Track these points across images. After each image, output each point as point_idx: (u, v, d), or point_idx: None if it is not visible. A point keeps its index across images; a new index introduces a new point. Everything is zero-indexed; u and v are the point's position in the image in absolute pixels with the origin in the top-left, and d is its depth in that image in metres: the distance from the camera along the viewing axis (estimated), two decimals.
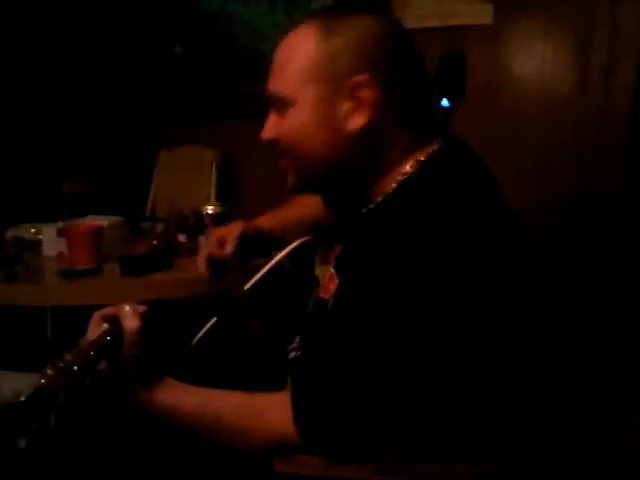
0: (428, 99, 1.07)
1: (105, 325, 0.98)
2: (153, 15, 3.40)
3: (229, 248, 1.42)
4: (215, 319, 1.26)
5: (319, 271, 1.23)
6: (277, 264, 1.29)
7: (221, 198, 2.06)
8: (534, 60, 2.65)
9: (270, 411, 0.97)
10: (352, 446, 0.94)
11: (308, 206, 1.54)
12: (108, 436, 1.22)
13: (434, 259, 0.90)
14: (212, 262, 1.43)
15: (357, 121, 0.99)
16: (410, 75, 1.03)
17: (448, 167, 1.02)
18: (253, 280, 1.28)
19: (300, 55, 1.01)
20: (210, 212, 1.96)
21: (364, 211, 1.07)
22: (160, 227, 2.18)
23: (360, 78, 0.98)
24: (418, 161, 1.02)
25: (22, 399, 0.82)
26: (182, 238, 2.06)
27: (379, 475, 0.93)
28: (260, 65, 3.19)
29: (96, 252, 1.82)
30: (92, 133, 3.46)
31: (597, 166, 2.52)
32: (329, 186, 1.12)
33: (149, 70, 3.44)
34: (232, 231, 1.45)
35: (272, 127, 1.07)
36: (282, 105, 1.03)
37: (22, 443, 0.82)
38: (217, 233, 1.49)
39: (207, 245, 1.49)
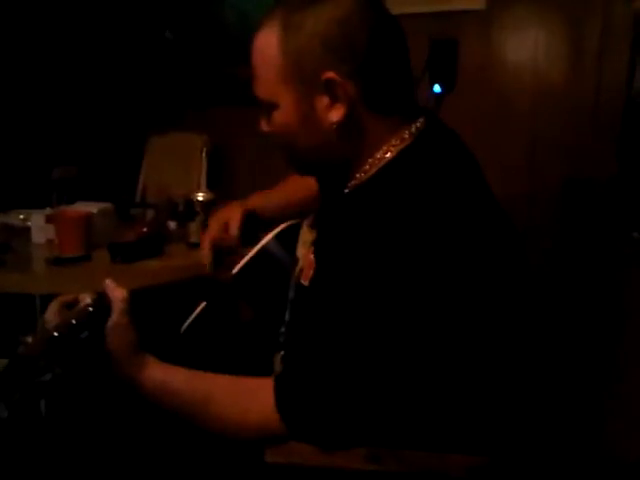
0: (405, 79, 1.05)
1: (88, 299, 0.98)
2: (143, 0, 3.37)
3: (234, 231, 1.42)
4: (204, 304, 1.25)
5: (300, 252, 1.23)
6: (264, 248, 1.28)
7: (211, 184, 2.05)
8: (527, 46, 2.64)
9: (258, 394, 0.97)
10: (334, 432, 0.93)
11: (298, 189, 1.53)
12: (99, 428, 1.21)
13: (410, 241, 0.90)
14: (214, 246, 1.43)
15: (335, 115, 1.00)
16: (382, 55, 1.01)
17: (425, 151, 1.02)
18: (240, 264, 1.27)
19: (267, 60, 1.02)
20: (200, 199, 1.95)
21: (341, 196, 1.08)
22: (150, 214, 2.17)
23: (330, 74, 0.97)
24: (395, 146, 1.02)
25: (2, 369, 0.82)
26: (172, 225, 2.05)
27: (369, 463, 0.93)
28: (250, 50, 3.17)
29: (85, 239, 1.81)
30: (81, 119, 3.43)
31: (589, 153, 2.52)
32: (319, 172, 1.19)
33: (139, 55, 3.41)
34: (234, 214, 1.45)
35: (264, 124, 1.10)
36: (268, 107, 1.05)
37: (3, 413, 0.82)
38: (219, 217, 1.48)
39: (209, 229, 1.47)
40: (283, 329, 1.16)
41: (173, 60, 3.37)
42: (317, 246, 1.09)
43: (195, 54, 3.33)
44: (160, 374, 1.01)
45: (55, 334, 0.88)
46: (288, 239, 1.29)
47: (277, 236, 1.31)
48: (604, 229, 2.42)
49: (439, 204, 0.93)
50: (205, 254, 1.43)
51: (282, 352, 1.12)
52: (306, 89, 1.00)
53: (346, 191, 1.07)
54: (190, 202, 1.98)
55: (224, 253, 1.43)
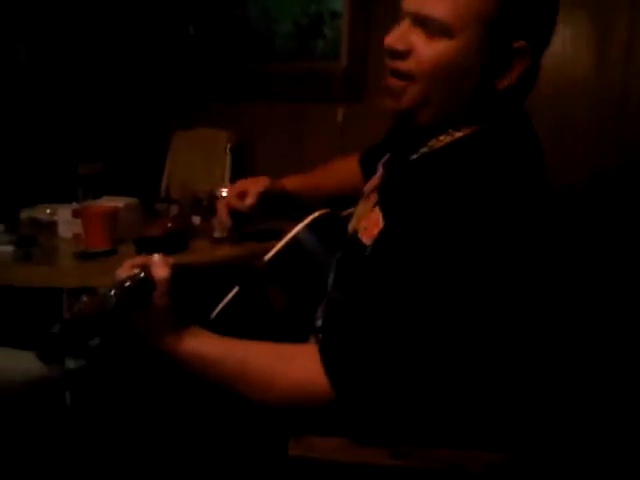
0: None
1: (136, 270, 0.97)
2: None
3: (249, 201, 1.43)
4: (237, 289, 1.27)
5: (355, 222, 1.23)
6: (296, 236, 1.29)
7: (235, 179, 2.06)
8: (554, 43, 2.60)
9: (298, 358, 0.98)
10: (377, 398, 0.93)
11: (337, 177, 1.54)
12: (123, 420, 1.23)
13: (484, 221, 0.90)
14: (232, 213, 1.45)
15: (501, 82, 0.98)
16: (545, 48, 1.01)
17: (501, 135, 1.01)
18: (273, 251, 1.28)
19: None
20: (224, 194, 1.96)
21: (413, 157, 1.07)
22: (174, 209, 2.18)
23: (521, 44, 0.96)
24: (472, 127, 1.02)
25: (55, 329, 0.82)
26: (196, 220, 2.06)
27: (393, 459, 0.94)
28: (274, 46, 3.18)
29: (111, 234, 1.82)
30: (106, 114, 3.46)
31: (615, 150, 2.49)
32: (424, 119, 1.03)
33: (163, 51, 3.42)
34: (255, 185, 1.46)
35: (407, 40, 0.98)
36: (437, 31, 0.95)
37: (56, 373, 0.82)
38: (240, 185, 1.49)
39: (227, 196, 1.49)
40: (318, 313, 1.16)
41: (196, 55, 3.38)
42: (386, 206, 1.07)
43: (218, 49, 3.34)
44: (197, 343, 1.01)
45: (112, 293, 0.88)
46: (320, 228, 1.29)
47: (309, 225, 1.31)
48: (633, 224, 2.40)
49: (508, 189, 0.93)
50: (223, 219, 1.46)
51: (315, 337, 1.13)
52: (493, 44, 0.95)
53: (414, 157, 1.06)
54: (214, 197, 1.99)
55: (241, 221, 1.45)
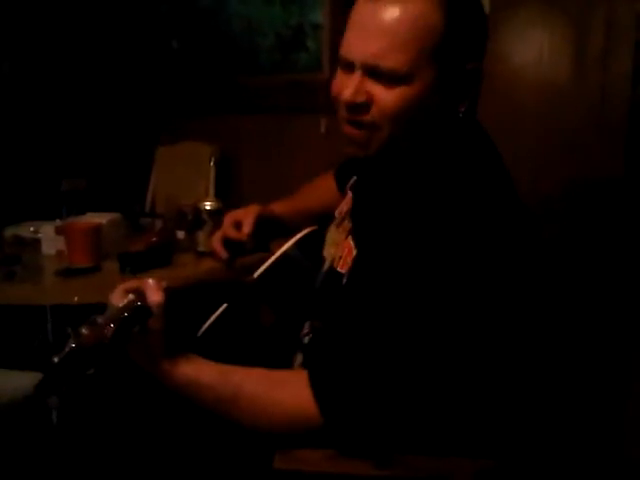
0: None
1: (131, 296, 0.96)
2: (149, 10, 3.39)
3: (246, 229, 1.43)
4: (225, 305, 1.27)
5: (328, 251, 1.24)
6: (285, 253, 1.30)
7: (219, 193, 2.05)
8: (532, 49, 2.63)
9: (290, 384, 0.98)
10: (367, 422, 0.94)
11: (318, 196, 1.55)
12: (110, 433, 1.22)
13: (456, 236, 0.91)
14: (227, 244, 1.45)
15: (463, 105, 0.99)
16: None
17: (467, 151, 1.03)
18: (262, 268, 1.28)
19: (427, 31, 0.93)
20: (208, 208, 1.96)
21: (380, 183, 1.09)
22: (159, 223, 2.18)
23: (475, 65, 0.97)
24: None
25: (55, 360, 0.82)
26: (181, 234, 2.06)
27: (379, 470, 0.94)
28: (257, 59, 3.19)
29: (95, 250, 1.82)
30: (89, 130, 3.45)
31: (595, 154, 2.51)
32: (392, 154, 1.05)
33: (146, 65, 3.43)
34: (249, 213, 1.46)
35: (364, 92, 0.98)
36: (394, 80, 0.95)
37: (55, 403, 0.83)
38: (233, 215, 1.49)
39: (222, 226, 1.49)
40: (305, 330, 1.16)
41: (180, 70, 3.38)
42: (357, 234, 1.08)
43: (201, 63, 3.35)
44: (191, 369, 1.01)
45: (111, 325, 0.88)
46: (308, 245, 1.30)
47: (298, 243, 1.32)
48: (609, 230, 2.41)
49: (483, 200, 0.95)
50: (219, 250, 1.45)
51: (302, 354, 1.13)
52: (449, 73, 0.96)
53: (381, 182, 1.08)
54: (198, 211, 1.99)
55: (236, 251, 1.45)
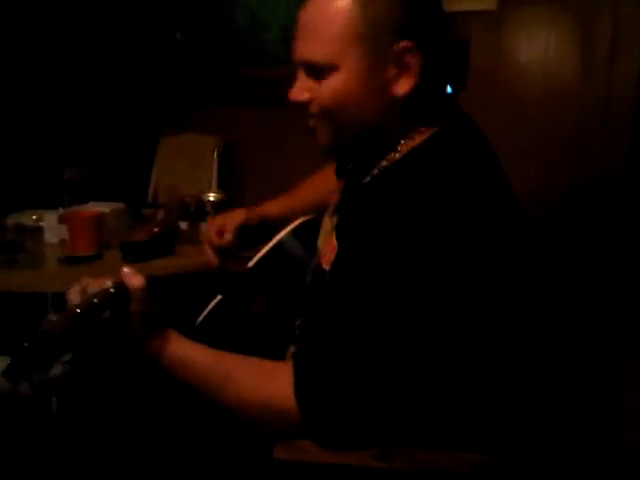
0: (449, 66, 1.08)
1: (108, 282, 0.97)
2: (154, 1, 3.38)
3: (227, 237, 1.47)
4: (220, 297, 1.27)
5: (321, 242, 1.24)
6: (280, 242, 1.30)
7: (222, 185, 2.06)
8: (538, 47, 2.63)
9: (279, 379, 0.98)
10: (348, 427, 0.94)
11: (314, 192, 1.55)
12: (109, 424, 1.22)
13: (435, 233, 0.91)
14: (217, 248, 1.48)
15: (403, 86, 0.99)
16: (441, 37, 1.03)
17: (454, 144, 1.02)
18: (256, 258, 1.29)
19: (335, 17, 0.97)
20: (211, 199, 1.96)
21: (366, 180, 1.08)
22: (161, 214, 2.17)
23: (406, 44, 0.97)
24: (424, 133, 1.03)
25: (25, 344, 0.82)
26: (183, 225, 2.06)
27: (378, 461, 0.94)
28: (261, 51, 3.18)
29: (97, 239, 1.82)
30: (93, 119, 3.44)
31: (600, 154, 2.51)
32: (357, 147, 1.09)
33: (150, 56, 3.42)
34: (231, 221, 1.49)
35: (305, 89, 1.04)
36: (321, 71, 1.00)
37: (26, 390, 0.83)
38: (216, 222, 1.52)
39: (206, 234, 1.53)
40: (298, 322, 1.17)
41: (184, 61, 3.38)
42: (339, 230, 1.09)
43: (206, 54, 3.34)
44: (182, 350, 1.01)
45: (78, 311, 0.89)
46: (305, 234, 1.30)
47: (294, 231, 1.32)
48: (613, 229, 2.41)
49: (463, 196, 0.94)
50: (210, 257, 1.48)
51: (295, 347, 1.13)
52: (376, 55, 0.98)
53: (368, 179, 1.07)
54: (201, 202, 1.99)
55: (226, 255, 1.47)
